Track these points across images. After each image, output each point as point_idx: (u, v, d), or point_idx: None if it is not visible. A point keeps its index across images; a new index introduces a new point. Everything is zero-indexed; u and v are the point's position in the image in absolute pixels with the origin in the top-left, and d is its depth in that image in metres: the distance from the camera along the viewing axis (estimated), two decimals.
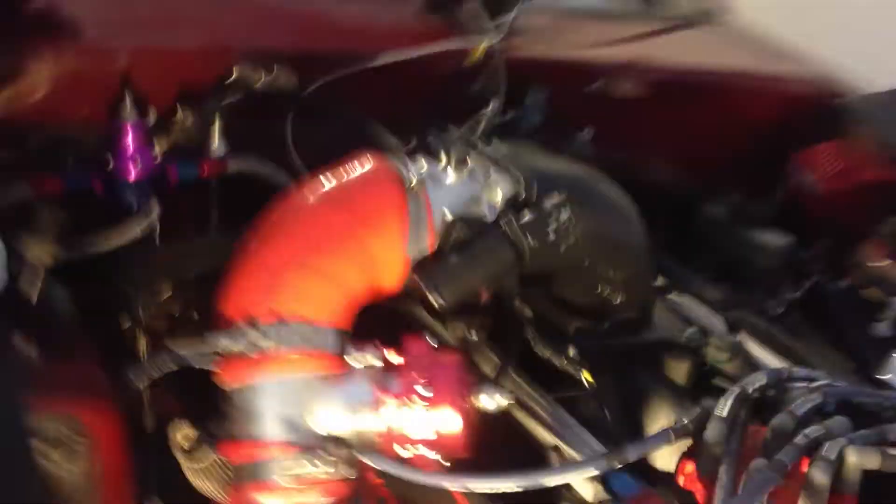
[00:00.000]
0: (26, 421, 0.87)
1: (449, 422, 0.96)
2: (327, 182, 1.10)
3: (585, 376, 1.13)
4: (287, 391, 0.99)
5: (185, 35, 1.43)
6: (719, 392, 0.98)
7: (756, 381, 0.98)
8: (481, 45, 1.54)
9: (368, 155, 1.13)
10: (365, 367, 1.01)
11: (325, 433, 0.99)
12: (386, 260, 1.06)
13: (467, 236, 1.08)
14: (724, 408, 0.95)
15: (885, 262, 1.48)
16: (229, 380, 1.02)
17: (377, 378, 0.99)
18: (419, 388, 0.96)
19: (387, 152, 1.15)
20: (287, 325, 0.99)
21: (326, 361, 1.01)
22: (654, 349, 1.19)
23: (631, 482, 0.99)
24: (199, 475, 1.20)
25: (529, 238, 1.07)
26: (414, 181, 1.08)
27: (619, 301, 1.18)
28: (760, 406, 0.97)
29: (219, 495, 1.19)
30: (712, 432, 0.95)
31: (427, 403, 0.96)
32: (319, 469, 0.97)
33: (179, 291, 1.29)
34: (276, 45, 1.44)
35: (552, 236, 1.08)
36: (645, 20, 1.89)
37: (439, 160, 1.12)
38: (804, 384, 0.98)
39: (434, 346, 1.01)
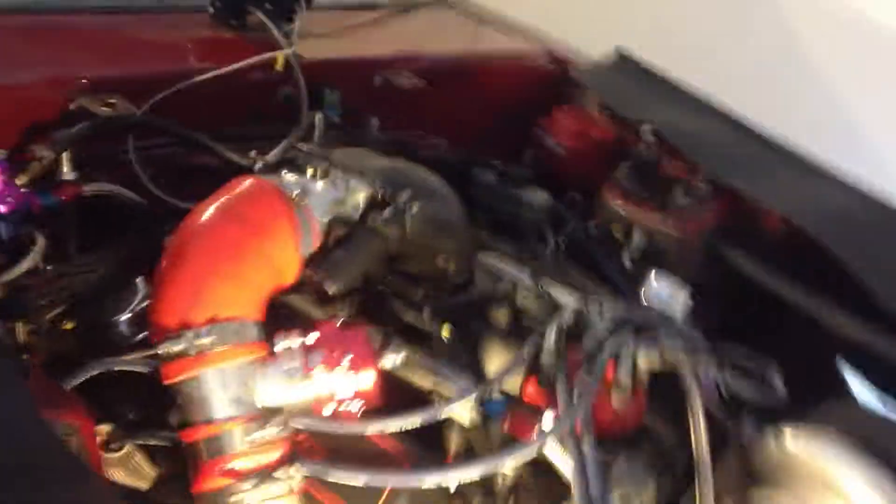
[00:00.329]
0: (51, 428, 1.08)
1: (365, 380, 1.24)
2: (222, 204, 1.32)
3: (444, 332, 1.44)
4: (228, 377, 1.22)
5: (23, 73, 1.57)
6: (532, 330, 1.34)
7: (566, 315, 1.34)
8: (280, 55, 1.78)
9: (248, 177, 1.37)
10: (289, 347, 1.26)
11: (266, 404, 1.24)
12: (285, 261, 1.32)
13: (344, 234, 1.36)
14: (550, 339, 1.31)
15: (619, 202, 1.86)
16: (175, 376, 1.23)
17: (302, 354, 1.25)
18: (340, 357, 1.23)
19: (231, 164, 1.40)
20: (219, 325, 1.22)
21: (256, 348, 1.25)
22: (480, 303, 1.50)
23: (499, 404, 1.32)
24: (113, 465, 1.39)
25: (392, 230, 1.37)
26: (295, 193, 1.34)
27: (452, 268, 1.50)
28: (572, 333, 1.34)
29: (130, 481, 1.39)
30: (546, 358, 1.30)
31: (348, 367, 1.23)
32: (268, 432, 1.22)
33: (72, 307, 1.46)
34: (106, 73, 1.61)
35: (408, 226, 1.38)
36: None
37: (305, 173, 1.38)
38: (598, 310, 1.35)
39: (340, 325, 1.28)
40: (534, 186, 1.85)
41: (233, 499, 1.19)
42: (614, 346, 1.28)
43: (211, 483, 1.21)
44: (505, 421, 1.29)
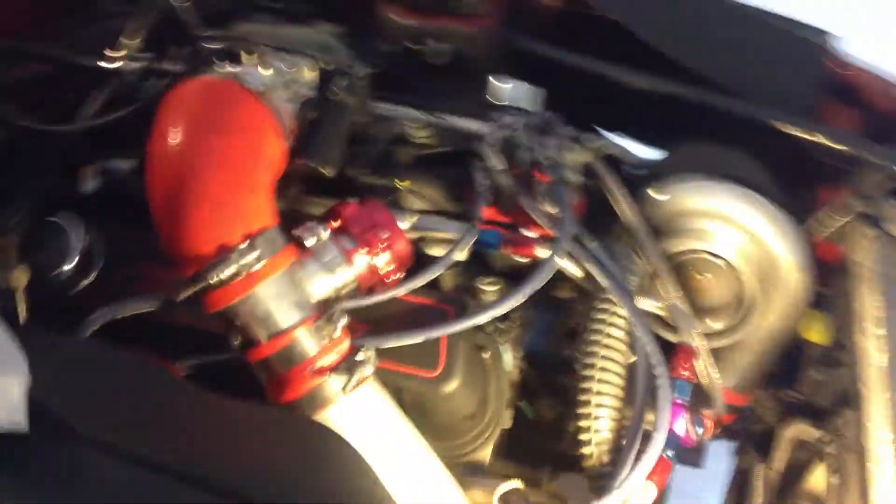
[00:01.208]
0: None
1: (403, 247, 1.32)
2: (198, 116, 1.26)
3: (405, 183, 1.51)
4: (281, 286, 1.23)
5: None
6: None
7: (492, 136, 1.50)
8: None
9: (202, 78, 1.30)
10: (319, 240, 1.29)
11: (320, 298, 1.28)
12: (276, 156, 1.31)
13: (315, 115, 1.36)
14: (495, 163, 1.47)
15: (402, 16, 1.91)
16: (228, 300, 1.22)
17: (336, 242, 1.29)
18: (370, 233, 1.30)
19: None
20: (256, 238, 1.22)
21: (292, 251, 1.27)
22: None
23: (491, 234, 1.46)
24: None
25: (352, 98, 1.40)
26: (255, 87, 1.31)
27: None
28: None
29: None
30: (502, 179, 1.46)
31: (385, 240, 1.30)
32: (335, 323, 1.27)
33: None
34: None
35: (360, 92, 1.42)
36: None
37: (240, 61, 1.34)
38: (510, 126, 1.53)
39: (358, 202, 1.32)
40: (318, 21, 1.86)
41: (328, 392, 1.25)
42: (544, 151, 1.48)
43: (300, 389, 1.24)
44: (502, 248, 1.45)
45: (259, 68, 1.35)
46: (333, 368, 1.24)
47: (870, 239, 1.77)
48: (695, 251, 1.63)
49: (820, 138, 1.89)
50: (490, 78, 1.75)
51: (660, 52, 1.85)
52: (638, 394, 1.31)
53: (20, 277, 1.25)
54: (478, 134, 1.57)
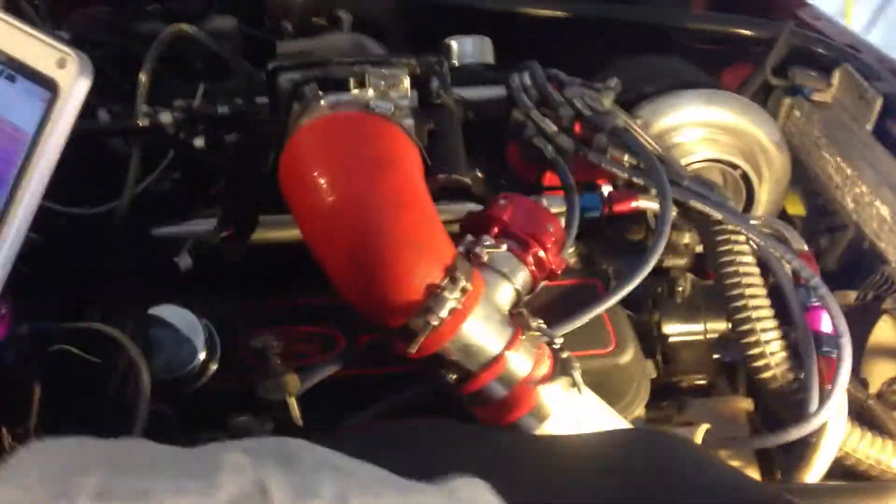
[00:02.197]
0: None
1: (562, 235, 1.30)
2: (362, 158, 1.15)
3: None
4: (482, 312, 1.18)
5: None
6: None
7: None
8: None
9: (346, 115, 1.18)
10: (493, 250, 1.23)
11: (510, 307, 1.23)
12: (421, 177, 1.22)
13: (432, 124, 1.28)
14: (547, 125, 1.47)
15: None
16: (440, 343, 1.15)
17: (507, 249, 1.24)
18: (536, 230, 1.26)
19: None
20: (454, 270, 1.15)
21: (477, 273, 1.21)
22: None
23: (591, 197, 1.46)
24: None
25: (450, 96, 1.33)
26: (383, 112, 1.21)
27: None
28: None
29: None
30: (563, 142, 1.47)
31: (553, 233, 1.27)
32: (535, 329, 1.23)
33: None
34: None
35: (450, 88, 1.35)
36: None
37: (350, 87, 1.23)
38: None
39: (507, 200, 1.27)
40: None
41: (552, 398, 1.22)
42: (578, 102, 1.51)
43: (528, 404, 1.19)
44: (606, 206, 1.45)
45: (369, 90, 1.23)
46: (552, 374, 1.21)
47: (802, 111, 1.95)
48: (692, 162, 1.72)
49: (714, 25, 2.03)
50: (446, 41, 1.72)
51: None
52: (794, 307, 1.39)
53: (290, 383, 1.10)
54: (499, 101, 1.54)
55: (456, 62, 1.71)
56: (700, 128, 1.75)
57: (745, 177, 1.74)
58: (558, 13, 2.01)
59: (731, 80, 2.14)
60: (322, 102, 1.21)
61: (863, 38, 2.14)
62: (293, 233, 1.32)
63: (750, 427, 1.51)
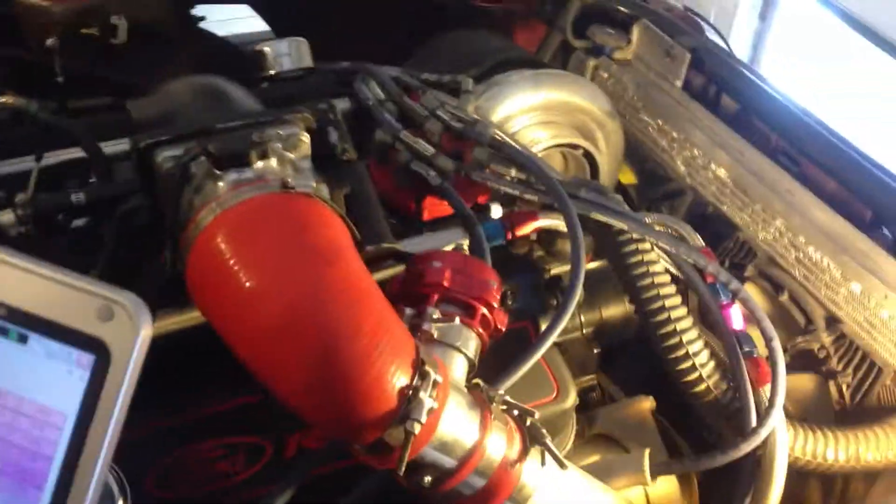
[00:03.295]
0: None
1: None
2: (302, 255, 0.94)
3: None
4: (452, 401, 1.02)
5: None
6: None
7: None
8: None
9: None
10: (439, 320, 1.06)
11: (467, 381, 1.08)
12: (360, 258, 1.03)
13: (345, 188, 1.08)
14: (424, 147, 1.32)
15: None
16: (417, 449, 0.98)
17: (449, 314, 1.07)
18: (478, 288, 1.11)
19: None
20: (421, 362, 0.99)
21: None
22: None
23: (492, 225, 1.29)
24: None
25: (352, 147, 1.13)
26: (312, 187, 1.00)
27: None
28: None
29: None
30: (443, 164, 1.32)
31: (496, 287, 1.12)
32: (498, 402, 1.08)
33: None
34: None
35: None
36: None
37: (253, 160, 1.01)
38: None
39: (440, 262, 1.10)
40: None
41: (530, 474, 1.09)
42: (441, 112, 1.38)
43: (508, 488, 1.05)
44: (508, 231, 1.31)
45: (271, 161, 1.00)
46: (525, 450, 1.08)
47: (609, 71, 1.91)
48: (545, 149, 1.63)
49: None
50: (258, 47, 1.50)
51: None
52: (715, 313, 1.33)
53: None
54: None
55: (272, 70, 1.48)
56: (534, 112, 1.64)
57: (587, 155, 1.65)
58: None
59: (523, 40, 2.05)
60: (221, 184, 0.97)
61: None
62: (184, 318, 1.09)
63: (658, 426, 1.47)
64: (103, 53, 1.59)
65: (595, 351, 1.55)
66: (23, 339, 0.54)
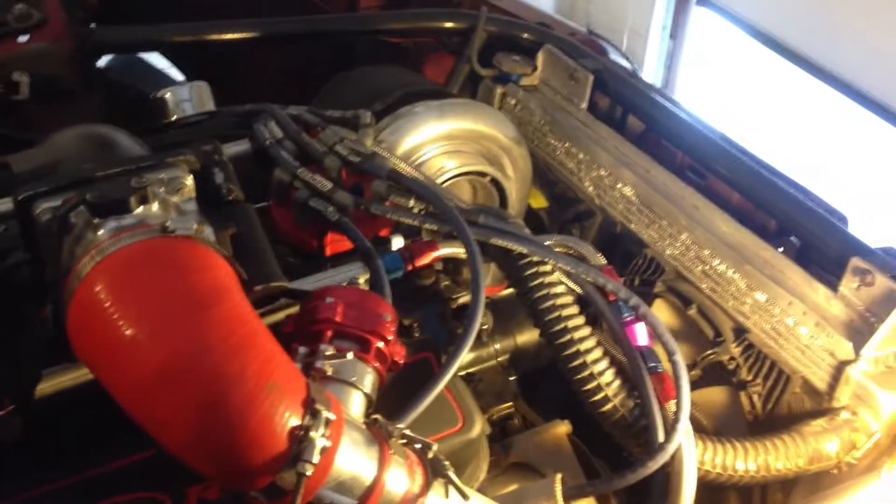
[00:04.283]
0: None
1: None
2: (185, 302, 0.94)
3: None
4: (347, 438, 1.02)
5: None
6: None
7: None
8: None
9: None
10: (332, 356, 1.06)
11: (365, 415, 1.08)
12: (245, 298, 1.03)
13: (232, 227, 1.08)
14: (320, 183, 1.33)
15: None
16: (314, 488, 0.98)
17: (343, 351, 1.07)
18: (372, 320, 1.11)
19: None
20: (312, 401, 0.98)
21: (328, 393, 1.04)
22: None
23: (392, 257, 1.30)
24: None
25: (237, 186, 1.13)
26: (191, 229, 1.00)
27: None
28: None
29: None
30: (342, 199, 1.33)
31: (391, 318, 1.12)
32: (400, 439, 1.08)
33: None
34: None
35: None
36: None
37: (131, 207, 1.01)
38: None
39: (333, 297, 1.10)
40: None
41: None
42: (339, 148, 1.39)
43: None
44: (408, 263, 1.32)
45: (153, 205, 1.00)
46: (427, 483, 1.08)
47: (517, 98, 1.93)
48: (442, 181, 1.64)
49: (410, 23, 1.97)
50: (158, 94, 1.51)
51: None
52: (616, 331, 1.34)
53: None
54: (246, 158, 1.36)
55: (174, 116, 1.48)
56: (440, 142, 1.66)
57: (494, 182, 1.67)
58: (247, 34, 1.83)
59: (433, 73, 2.07)
60: (100, 232, 0.97)
61: (544, 10, 2.15)
62: (74, 375, 1.08)
63: (575, 449, 1.48)
64: (5, 110, 1.58)
65: (511, 378, 1.55)
66: None
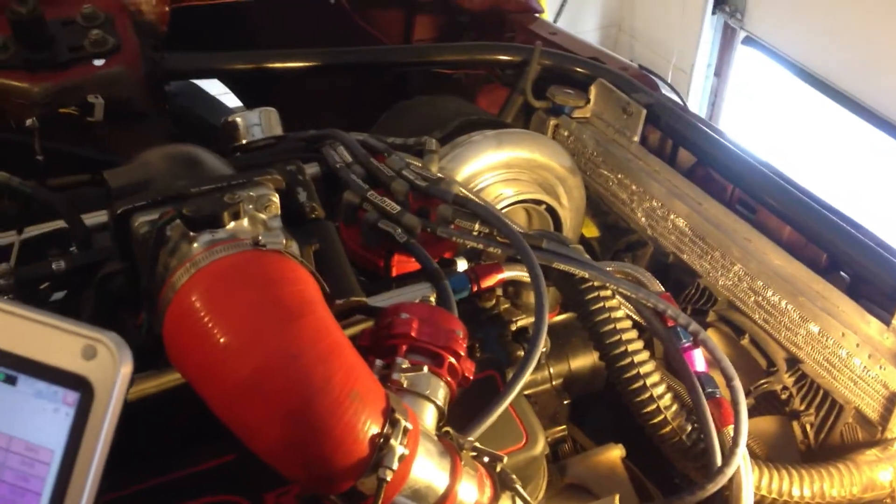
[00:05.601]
0: None
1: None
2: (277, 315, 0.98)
3: None
4: (422, 448, 1.05)
5: None
6: None
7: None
8: None
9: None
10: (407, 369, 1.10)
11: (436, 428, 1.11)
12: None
13: (314, 245, 1.12)
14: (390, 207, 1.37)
15: None
16: (393, 494, 1.01)
17: (419, 365, 1.11)
18: (446, 336, 1.15)
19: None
20: (392, 410, 1.02)
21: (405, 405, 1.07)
22: None
23: (459, 278, 1.34)
24: None
25: (319, 205, 1.18)
26: (282, 244, 1.04)
27: None
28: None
29: None
30: (410, 221, 1.37)
31: (462, 335, 1.16)
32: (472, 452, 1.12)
33: None
34: None
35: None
36: None
37: (224, 222, 1.05)
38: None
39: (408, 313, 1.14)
40: None
41: None
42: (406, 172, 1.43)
43: None
44: (474, 284, 1.36)
45: (243, 221, 1.05)
46: (496, 495, 1.12)
47: (569, 130, 1.97)
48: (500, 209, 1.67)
49: (467, 55, 2.01)
50: (230, 119, 1.56)
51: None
52: (674, 356, 1.37)
53: None
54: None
55: (244, 139, 1.53)
56: (497, 170, 1.70)
57: (550, 210, 1.71)
58: (307, 63, 1.88)
59: (485, 104, 2.11)
60: (195, 245, 1.01)
61: (597, 45, 2.19)
62: (163, 381, 1.12)
63: (629, 474, 1.50)
64: (81, 132, 1.64)
65: (565, 402, 1.58)
66: (11, 381, 0.57)
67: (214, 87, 2.50)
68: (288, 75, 1.87)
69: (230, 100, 2.60)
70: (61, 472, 0.57)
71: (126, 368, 0.58)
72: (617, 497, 1.30)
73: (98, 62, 1.64)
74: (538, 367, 1.55)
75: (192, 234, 1.01)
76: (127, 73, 1.67)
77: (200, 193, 1.06)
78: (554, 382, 1.59)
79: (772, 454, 1.58)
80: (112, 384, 0.57)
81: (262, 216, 1.08)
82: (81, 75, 1.63)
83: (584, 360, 1.60)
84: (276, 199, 1.10)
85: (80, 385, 0.58)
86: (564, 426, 1.57)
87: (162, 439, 1.12)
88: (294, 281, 1.01)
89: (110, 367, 0.57)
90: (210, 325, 0.95)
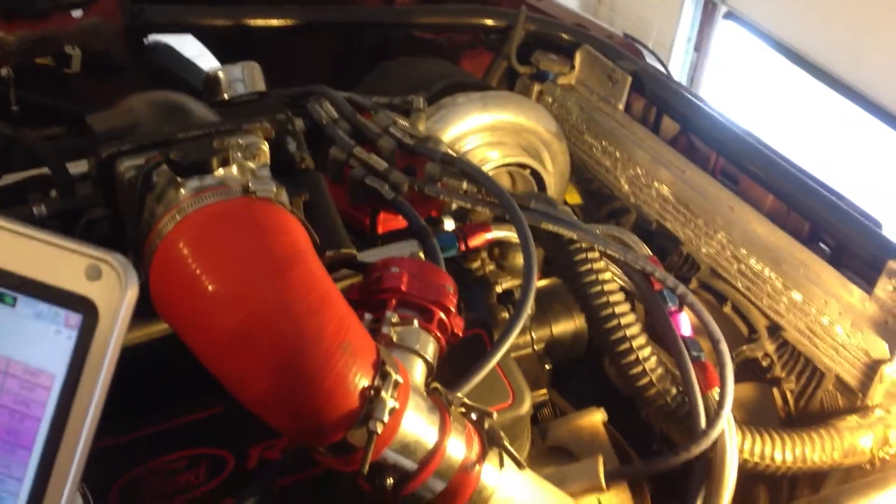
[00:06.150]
0: None
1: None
2: (267, 260, 0.96)
3: None
4: (412, 402, 1.04)
5: None
6: None
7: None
8: None
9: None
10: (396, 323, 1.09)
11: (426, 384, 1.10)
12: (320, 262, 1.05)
13: (304, 195, 1.10)
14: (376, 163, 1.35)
15: None
16: (380, 450, 1.00)
17: (408, 319, 1.10)
18: (436, 291, 1.13)
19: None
20: (383, 362, 1.00)
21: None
22: None
23: (447, 236, 1.32)
24: None
25: (309, 156, 1.15)
26: (272, 192, 1.02)
27: None
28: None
29: None
30: (397, 178, 1.35)
31: (452, 292, 1.14)
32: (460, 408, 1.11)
33: None
34: None
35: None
36: None
37: (214, 167, 1.02)
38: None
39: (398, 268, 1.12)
40: None
41: (489, 476, 1.11)
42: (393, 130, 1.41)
43: (468, 490, 1.07)
44: (462, 242, 1.34)
45: (233, 167, 1.02)
46: (484, 452, 1.10)
47: (553, 96, 1.96)
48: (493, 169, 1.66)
49: (450, 18, 1.99)
50: (211, 73, 1.53)
51: None
52: (660, 319, 1.37)
53: None
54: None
55: (226, 94, 1.50)
56: (482, 133, 1.68)
57: (534, 174, 1.70)
58: (287, 20, 1.85)
59: (468, 68, 2.09)
60: (182, 191, 0.99)
61: (581, 13, 2.18)
62: (149, 330, 1.10)
63: (610, 437, 1.50)
64: (57, 84, 1.60)
65: (546, 367, 1.57)
66: (11, 301, 0.55)
67: (189, 49, 2.45)
68: (268, 32, 1.84)
69: (207, 62, 2.55)
70: (62, 398, 0.55)
71: (133, 290, 0.55)
72: (600, 458, 1.29)
73: (76, 13, 1.61)
74: (521, 332, 1.54)
75: (179, 179, 0.99)
76: (105, 25, 1.64)
77: (188, 139, 1.03)
78: (536, 347, 1.58)
79: (752, 420, 1.58)
80: (118, 306, 0.55)
81: (251, 165, 1.06)
82: (59, 25, 1.59)
83: (566, 326, 1.59)
84: (265, 147, 1.08)
85: (83, 306, 0.55)
86: (545, 390, 1.56)
87: (146, 391, 1.10)
88: (285, 230, 0.99)
89: (116, 288, 0.55)
90: (198, 273, 0.92)
